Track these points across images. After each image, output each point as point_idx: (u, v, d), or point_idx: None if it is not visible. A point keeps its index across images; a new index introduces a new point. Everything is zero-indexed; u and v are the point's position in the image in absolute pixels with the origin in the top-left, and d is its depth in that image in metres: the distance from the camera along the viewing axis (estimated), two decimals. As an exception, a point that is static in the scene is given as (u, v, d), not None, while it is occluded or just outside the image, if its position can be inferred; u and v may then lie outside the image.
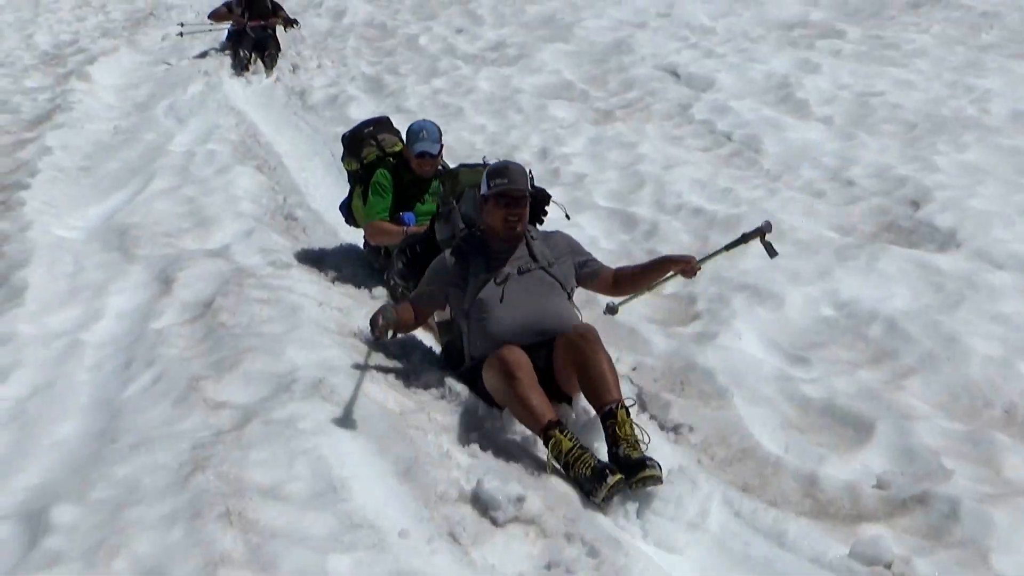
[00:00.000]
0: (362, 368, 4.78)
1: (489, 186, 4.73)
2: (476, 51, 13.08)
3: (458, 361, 4.92)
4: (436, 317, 5.41)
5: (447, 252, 4.89)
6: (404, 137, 6.47)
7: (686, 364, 4.99)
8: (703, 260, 4.85)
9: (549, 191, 5.33)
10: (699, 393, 4.77)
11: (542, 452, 4.24)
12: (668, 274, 4.83)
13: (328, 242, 6.99)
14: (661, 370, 5.01)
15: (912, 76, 10.01)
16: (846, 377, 4.85)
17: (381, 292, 6.17)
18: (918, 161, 7.66)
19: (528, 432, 4.37)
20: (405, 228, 6.08)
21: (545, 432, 4.13)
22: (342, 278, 6.28)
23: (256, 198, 7.69)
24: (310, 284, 5.96)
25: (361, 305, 5.77)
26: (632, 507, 3.94)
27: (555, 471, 4.09)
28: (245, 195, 7.66)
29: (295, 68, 12.71)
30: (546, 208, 5.29)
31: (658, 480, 3.89)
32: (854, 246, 6.29)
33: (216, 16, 13.80)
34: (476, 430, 4.42)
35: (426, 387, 4.81)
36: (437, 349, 5.37)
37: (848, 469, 4.14)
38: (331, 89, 11.33)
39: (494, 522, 3.67)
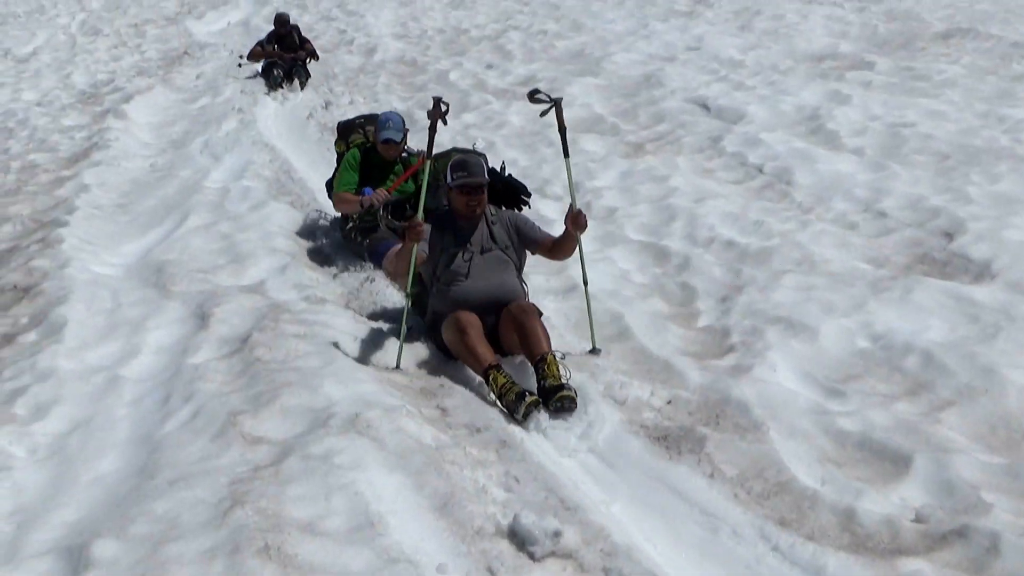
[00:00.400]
0: (398, 402, 4.80)
1: (453, 178, 5.72)
2: (506, 86, 13.16)
3: (422, 310, 5.99)
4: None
5: (427, 224, 5.70)
6: None
7: (721, 398, 4.97)
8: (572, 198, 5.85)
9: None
10: (735, 427, 4.75)
11: (574, 478, 4.26)
12: (570, 242, 5.76)
13: (362, 276, 7.01)
14: (696, 404, 4.99)
15: (943, 107, 9.99)
16: (882, 410, 4.82)
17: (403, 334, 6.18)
18: (951, 192, 7.63)
19: (550, 465, 4.40)
20: (362, 199, 7.17)
21: (486, 371, 5.19)
22: (376, 314, 6.30)
23: (290, 233, 7.74)
24: (345, 319, 6.00)
25: (396, 340, 5.79)
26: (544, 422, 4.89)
27: (495, 403, 5.10)
28: (279, 231, 7.72)
29: (327, 104, 12.83)
30: (524, 200, 6.48)
31: (572, 400, 4.93)
32: (888, 278, 6.26)
33: (254, 56, 15.15)
34: (514, 462, 4.42)
35: (462, 422, 4.82)
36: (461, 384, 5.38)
37: (886, 503, 4.10)
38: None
39: (531, 557, 3.67)
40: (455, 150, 7.15)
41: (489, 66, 14.45)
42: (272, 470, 4.08)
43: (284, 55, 14.77)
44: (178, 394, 5.06)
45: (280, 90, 14.03)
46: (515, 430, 4.80)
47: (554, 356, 5.17)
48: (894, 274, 6.38)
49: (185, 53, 18.05)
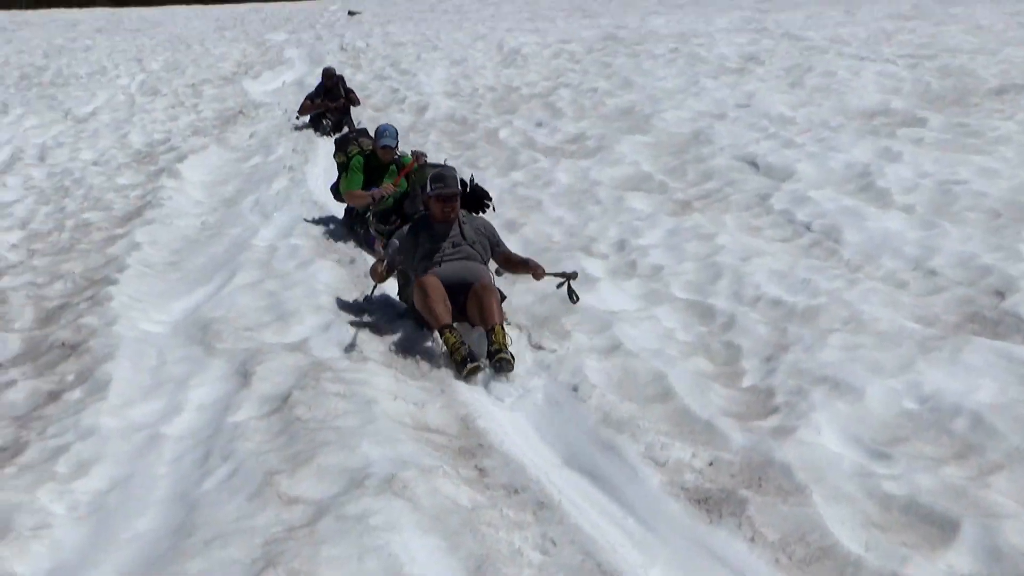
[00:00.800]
0: (435, 463, 4.78)
1: (432, 188, 6.92)
2: (555, 144, 13.22)
3: (407, 299, 7.21)
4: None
5: (406, 228, 7.21)
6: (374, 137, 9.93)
7: (764, 460, 4.90)
8: (547, 275, 6.92)
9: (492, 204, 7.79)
10: (777, 489, 4.67)
11: (612, 541, 4.21)
12: (525, 273, 7.06)
13: (405, 331, 7.02)
14: (738, 466, 4.92)
15: (996, 164, 9.88)
16: (930, 473, 4.72)
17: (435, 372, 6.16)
18: (1003, 250, 7.52)
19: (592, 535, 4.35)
20: (372, 193, 9.29)
21: (440, 329, 6.38)
22: (418, 373, 6.29)
23: (335, 291, 7.78)
24: (386, 377, 6.01)
25: (435, 399, 5.78)
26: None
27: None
28: (325, 289, 7.77)
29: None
30: (487, 204, 7.60)
31: (509, 363, 6.13)
32: (937, 338, 6.16)
33: (304, 110, 16.67)
34: (551, 524, 4.38)
35: (500, 482, 4.78)
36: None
37: (933, 570, 4.01)
38: (412, 182, 11.52)
39: (566, 622, 3.62)
40: (430, 166, 8.18)
41: (539, 124, 14.54)
42: (307, 531, 4.07)
43: (332, 106, 16.35)
44: (217, 452, 5.08)
45: (329, 137, 15.17)
46: (553, 491, 4.76)
47: (502, 327, 6.35)
48: (943, 333, 6.27)
49: (240, 112, 18.36)
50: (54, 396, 6.18)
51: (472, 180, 7.64)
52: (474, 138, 14.10)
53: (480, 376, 6.12)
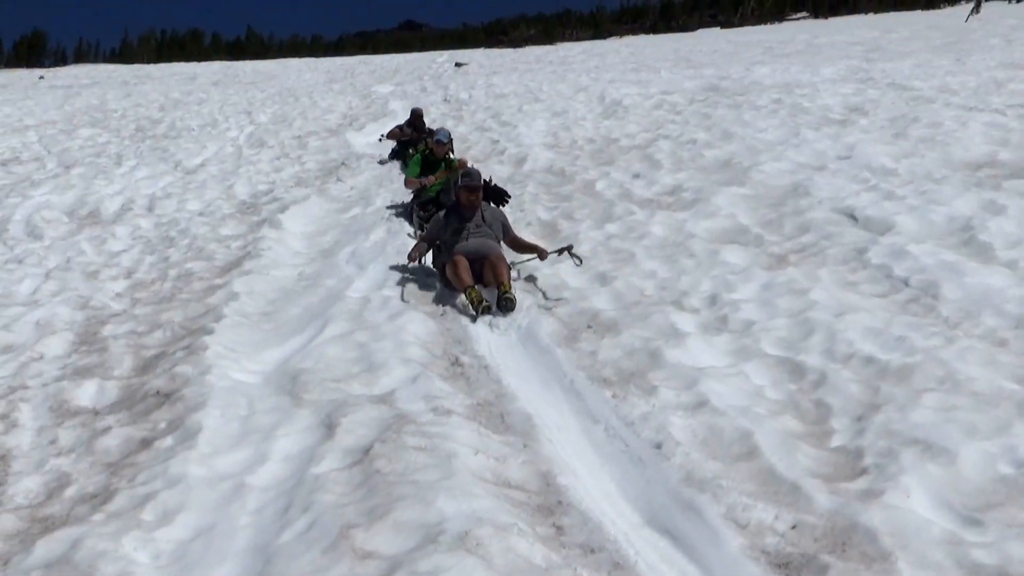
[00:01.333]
0: (511, 520, 4.76)
1: (462, 181, 9.70)
2: (652, 195, 13.18)
3: (441, 266, 9.57)
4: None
5: (441, 213, 9.99)
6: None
7: (849, 524, 4.78)
8: (550, 253, 9.70)
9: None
10: (861, 556, 4.55)
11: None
12: (532, 254, 9.70)
13: (491, 388, 7.03)
14: (822, 529, 4.81)
15: (1108, 219, 9.57)
16: (1023, 542, 4.55)
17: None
18: (1111, 309, 7.27)
19: None
20: (422, 181, 13.19)
21: (465, 289, 8.77)
22: (501, 427, 6.29)
23: (425, 344, 7.83)
24: (468, 431, 6.01)
25: (517, 454, 5.76)
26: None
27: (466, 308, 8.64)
28: (414, 340, 7.82)
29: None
30: (506, 199, 10.85)
31: (512, 302, 8.48)
32: (1039, 399, 5.96)
33: (392, 135, 19.53)
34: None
35: (576, 542, 4.75)
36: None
37: (1021, 645, 3.86)
38: (506, 234, 11.56)
39: None
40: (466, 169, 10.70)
41: (636, 175, 14.51)
42: (379, 587, 4.09)
43: (415, 136, 18.50)
44: (297, 504, 5.14)
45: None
46: (631, 552, 4.71)
47: (509, 282, 8.75)
48: (1045, 395, 6.06)
49: (343, 164, 18.66)
50: (146, 443, 6.32)
51: (491, 180, 10.74)
52: (571, 190, 14.11)
53: (488, 317, 8.49)
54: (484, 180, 10.03)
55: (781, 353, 7.25)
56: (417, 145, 15.65)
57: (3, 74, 62.74)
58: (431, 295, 9.43)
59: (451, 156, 14.05)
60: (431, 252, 10.10)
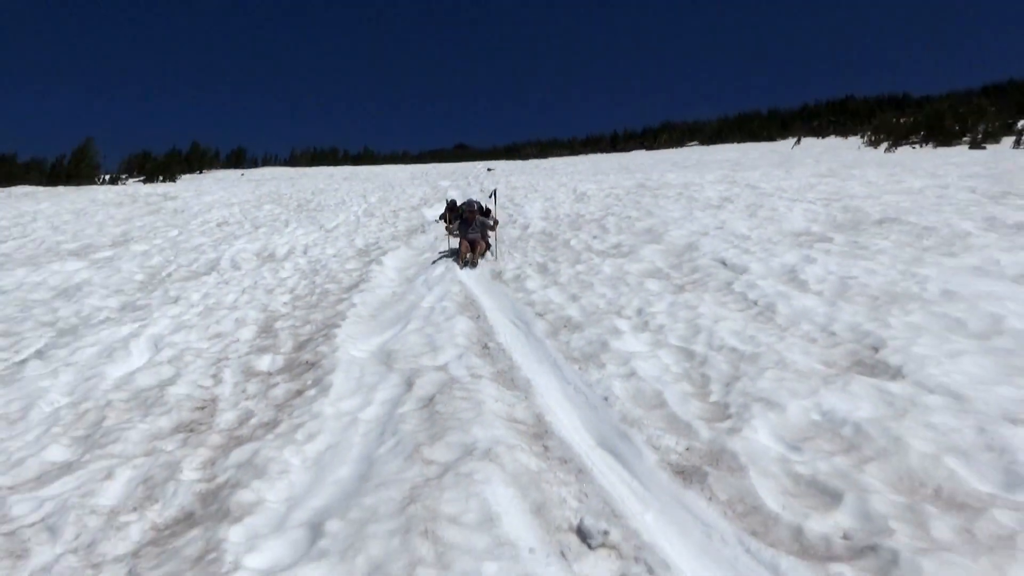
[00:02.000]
0: (517, 442, 4.70)
1: (467, 207, 11.52)
2: (604, 248, 13.10)
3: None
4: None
5: (457, 222, 11.74)
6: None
7: (720, 448, 4.71)
8: (495, 226, 11.97)
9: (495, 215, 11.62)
10: (728, 467, 4.48)
11: (622, 495, 4.06)
12: (493, 233, 12.39)
13: (505, 362, 6.95)
14: (704, 451, 4.74)
15: (876, 266, 9.47)
16: (826, 461, 4.46)
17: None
18: (878, 321, 7.18)
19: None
20: (452, 230, 12.99)
21: (461, 256, 10.72)
22: (514, 385, 6.20)
23: (467, 335, 7.77)
24: (493, 388, 5.95)
25: (521, 402, 5.69)
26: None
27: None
28: (460, 334, 7.76)
29: (496, 258, 13.00)
30: (490, 215, 12.38)
31: (474, 265, 10.76)
32: (835, 375, 5.88)
33: (442, 217, 18.63)
34: (585, 483, 4.25)
35: (556, 456, 4.67)
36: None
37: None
38: (516, 271, 11.51)
39: (589, 546, 3.51)
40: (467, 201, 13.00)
41: (594, 236, 14.43)
42: (436, 481, 4.04)
43: (451, 214, 18.26)
44: (388, 431, 5.09)
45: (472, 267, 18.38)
46: (588, 463, 4.63)
47: (478, 257, 10.78)
48: (839, 373, 5.99)
49: (420, 228, 18.62)
50: (299, 393, 6.28)
51: (481, 205, 12.95)
52: (555, 244, 14.04)
53: (468, 270, 10.56)
54: (477, 206, 13.09)
55: (680, 344, 7.18)
56: (455, 214, 17.19)
57: (221, 172, 62.97)
58: (471, 306, 9.40)
59: (476, 216, 15.54)
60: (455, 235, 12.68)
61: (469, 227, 12.27)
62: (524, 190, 27.07)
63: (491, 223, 12.47)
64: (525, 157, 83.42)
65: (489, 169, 50.32)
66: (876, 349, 6.43)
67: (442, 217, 19.32)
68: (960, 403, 5.14)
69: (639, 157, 59.64)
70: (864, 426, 4.86)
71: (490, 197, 29.94)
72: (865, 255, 10.26)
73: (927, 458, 4.41)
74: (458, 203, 21.31)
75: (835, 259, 10.10)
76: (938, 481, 4.19)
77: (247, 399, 6.26)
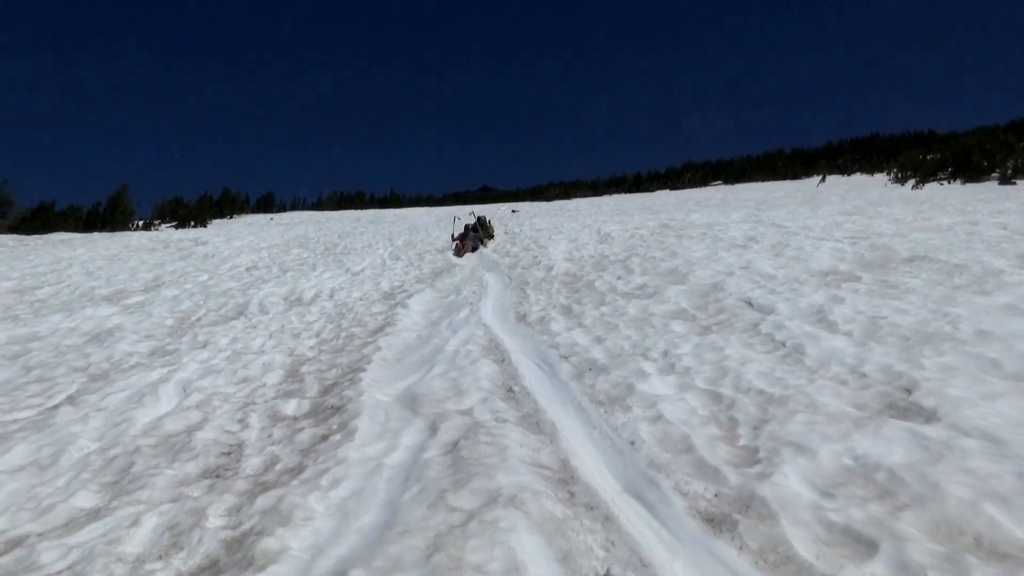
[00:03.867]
0: (542, 488, 4.65)
1: (476, 223, 12.47)
2: (628, 290, 13.06)
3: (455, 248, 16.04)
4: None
5: (462, 233, 14.72)
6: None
7: (749, 494, 4.61)
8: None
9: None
10: (758, 514, 4.37)
11: (649, 543, 3.98)
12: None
13: (530, 406, 6.91)
14: (733, 497, 4.64)
15: (907, 306, 9.33)
16: (859, 508, 4.35)
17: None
18: (910, 362, 7.04)
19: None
20: (456, 240, 17.01)
21: (459, 253, 13.72)
22: (538, 429, 6.16)
23: (491, 379, 7.75)
24: (517, 432, 5.92)
25: (547, 447, 5.64)
26: None
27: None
28: (485, 377, 7.74)
29: (521, 302, 13.01)
30: (486, 232, 16.32)
31: (460, 256, 13.94)
32: (867, 418, 5.76)
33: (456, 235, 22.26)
34: (612, 531, 4.17)
35: (582, 503, 4.61)
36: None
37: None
38: (541, 313, 11.51)
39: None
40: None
41: (619, 277, 14.41)
42: (460, 529, 4.00)
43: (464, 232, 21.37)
44: (413, 476, 5.06)
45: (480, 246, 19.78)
46: (615, 509, 4.56)
47: (463, 253, 13.32)
48: (871, 416, 5.87)
49: (446, 270, 18.72)
50: (324, 438, 6.28)
51: (478, 225, 15.72)
52: (580, 286, 14.04)
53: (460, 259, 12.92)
54: (474, 225, 16.97)
55: (707, 387, 7.09)
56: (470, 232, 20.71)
57: (251, 217, 64.15)
58: (495, 349, 9.39)
59: (470, 231, 19.64)
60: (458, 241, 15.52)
61: (465, 237, 16.96)
62: (548, 231, 27.19)
63: (480, 235, 17.16)
64: (549, 199, 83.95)
65: (513, 211, 50.68)
66: (909, 391, 6.30)
67: (459, 236, 22.83)
68: (998, 447, 5.00)
69: (663, 197, 59.79)
70: (898, 471, 4.74)
71: (506, 232, 30.77)
72: (895, 294, 10.12)
73: (965, 505, 4.28)
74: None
75: (864, 298, 9.97)
76: (978, 529, 4.06)
77: (273, 444, 6.27)
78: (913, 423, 5.61)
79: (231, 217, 65.29)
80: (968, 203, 23.12)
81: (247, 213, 78.53)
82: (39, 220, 36.12)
